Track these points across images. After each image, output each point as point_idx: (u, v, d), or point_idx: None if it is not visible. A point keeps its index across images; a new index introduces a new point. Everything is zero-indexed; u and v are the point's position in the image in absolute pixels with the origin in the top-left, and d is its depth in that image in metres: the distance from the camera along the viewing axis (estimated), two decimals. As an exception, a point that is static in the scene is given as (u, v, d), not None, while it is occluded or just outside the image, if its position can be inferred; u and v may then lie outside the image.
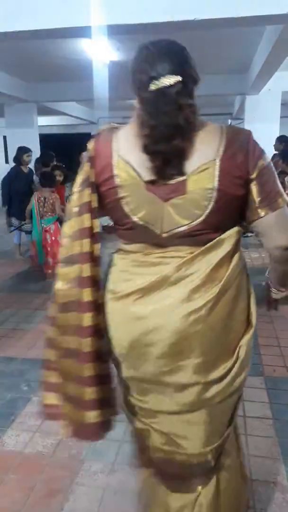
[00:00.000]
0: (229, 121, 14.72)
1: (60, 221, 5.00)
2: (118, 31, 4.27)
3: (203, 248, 1.16)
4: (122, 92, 10.09)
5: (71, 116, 12.20)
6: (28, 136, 8.79)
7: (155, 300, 1.17)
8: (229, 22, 3.74)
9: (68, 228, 1.26)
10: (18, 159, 5.94)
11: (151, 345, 1.18)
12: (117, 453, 2.02)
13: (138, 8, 3.77)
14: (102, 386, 1.26)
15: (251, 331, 1.25)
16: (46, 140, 9.43)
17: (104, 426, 1.33)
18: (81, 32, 4.15)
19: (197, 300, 1.15)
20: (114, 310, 1.25)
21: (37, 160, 6.65)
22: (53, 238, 4.90)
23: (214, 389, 1.20)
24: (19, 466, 1.96)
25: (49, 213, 4.90)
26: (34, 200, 4.96)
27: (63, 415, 1.32)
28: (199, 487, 1.34)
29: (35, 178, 6.02)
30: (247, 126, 9.02)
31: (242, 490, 1.50)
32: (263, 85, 7.80)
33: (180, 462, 1.29)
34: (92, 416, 1.25)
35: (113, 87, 8.30)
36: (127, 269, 1.24)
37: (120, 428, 2.18)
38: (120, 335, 1.24)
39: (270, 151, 8.88)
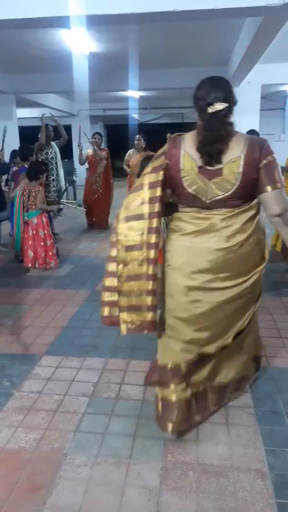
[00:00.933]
0: (210, 114, 14.79)
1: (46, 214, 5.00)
2: (97, 22, 4.22)
3: (237, 210, 1.93)
4: (103, 84, 10.02)
5: (51, 108, 12.02)
6: (8, 129, 8.59)
7: (206, 238, 1.94)
8: (209, 13, 3.74)
9: (137, 196, 1.94)
10: None
11: (201, 263, 1.93)
12: (100, 446, 2.02)
13: (117, -2, 3.72)
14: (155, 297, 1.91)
15: (264, 263, 2.04)
16: (26, 132, 9.27)
17: (155, 324, 1.96)
18: (60, 22, 4.09)
19: (231, 241, 1.92)
20: (178, 242, 2.01)
21: (14, 153, 6.44)
22: (34, 232, 4.82)
23: (235, 290, 1.97)
24: (1, 461, 1.94)
25: (34, 206, 4.81)
26: (18, 192, 4.89)
27: (118, 321, 1.99)
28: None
29: (14, 170, 5.90)
30: (227, 119, 9.05)
31: (257, 339, 2.41)
32: (243, 77, 7.84)
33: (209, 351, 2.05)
34: (151, 315, 1.91)
35: (93, 78, 8.21)
36: (187, 220, 2.00)
37: (103, 421, 2.20)
38: (178, 258, 1.99)
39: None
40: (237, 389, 2.34)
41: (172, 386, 2.03)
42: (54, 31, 5.82)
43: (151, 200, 1.90)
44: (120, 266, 1.93)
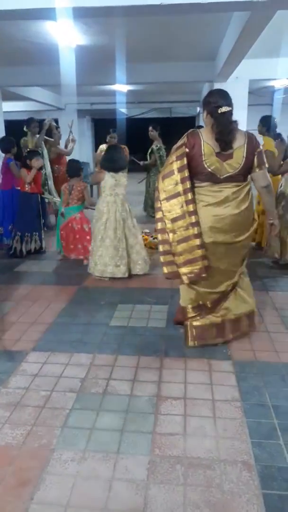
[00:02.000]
0: (198, 108, 14.77)
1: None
2: (84, 14, 4.16)
3: (241, 185, 2.73)
4: (90, 78, 9.91)
5: (37, 101, 11.86)
6: (-8, 122, 8.51)
7: (223, 208, 2.71)
8: (196, 7, 3.71)
9: (170, 180, 2.69)
10: None
11: (222, 226, 2.71)
12: (88, 441, 2.02)
13: (104, -10, 3.67)
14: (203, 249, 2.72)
15: (255, 224, 2.88)
16: (12, 126, 9.14)
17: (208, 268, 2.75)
18: (46, 14, 4.01)
19: (240, 208, 2.72)
20: (203, 211, 2.72)
21: None
22: (79, 226, 4.89)
23: (242, 243, 2.80)
24: (-12, 458, 1.93)
25: (75, 201, 4.87)
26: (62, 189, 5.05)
27: (178, 274, 2.78)
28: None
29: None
30: (215, 114, 9.07)
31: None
32: (230, 72, 7.83)
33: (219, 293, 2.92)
34: (203, 263, 2.71)
35: (80, 72, 8.12)
36: (205, 193, 2.74)
37: (91, 416, 2.20)
38: (206, 223, 2.71)
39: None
40: (250, 325, 3.06)
41: (197, 318, 2.93)
42: (40, 23, 5.72)
43: (182, 180, 2.66)
44: (171, 235, 2.72)
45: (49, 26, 5.88)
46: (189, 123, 15.72)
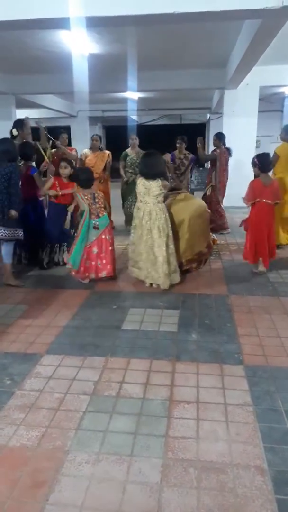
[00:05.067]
0: (208, 115, 14.81)
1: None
2: (97, 23, 4.25)
3: None
4: (102, 85, 10.08)
5: (50, 109, 12.04)
6: (6, 129, 8.60)
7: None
8: (209, 16, 3.76)
9: None
10: None
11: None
12: (102, 444, 2.04)
13: (117, 0, 3.75)
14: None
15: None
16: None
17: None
18: (60, 23, 4.11)
19: None
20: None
21: None
22: (110, 235, 4.45)
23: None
24: (3, 459, 1.96)
25: (102, 209, 4.41)
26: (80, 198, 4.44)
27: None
28: None
29: None
30: (225, 120, 9.11)
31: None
32: (241, 79, 7.87)
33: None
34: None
35: (92, 80, 8.23)
36: None
37: (104, 419, 2.22)
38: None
39: (248, 145, 8.99)
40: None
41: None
42: (54, 33, 5.84)
43: None
44: None
45: (63, 35, 6.00)
46: (199, 129, 15.77)
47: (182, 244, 4.52)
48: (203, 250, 4.75)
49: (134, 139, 7.07)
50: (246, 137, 8.89)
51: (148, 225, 4.18)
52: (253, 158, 4.72)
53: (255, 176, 4.72)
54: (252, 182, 4.65)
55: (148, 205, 4.19)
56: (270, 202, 4.55)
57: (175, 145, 7.09)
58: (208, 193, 6.88)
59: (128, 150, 7.10)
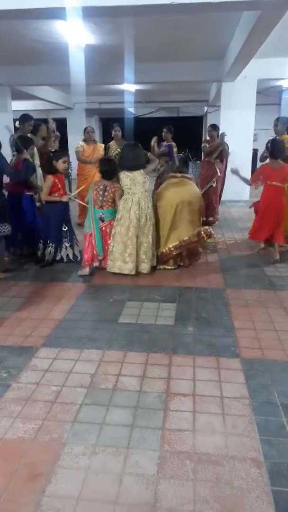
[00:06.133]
0: (205, 108, 14.74)
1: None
2: (93, 13, 4.20)
3: None
4: (99, 77, 9.97)
5: (46, 101, 11.93)
6: (1, 121, 8.54)
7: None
8: (207, 6, 3.72)
9: None
10: None
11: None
12: (98, 436, 2.05)
13: (115, -10, 3.70)
14: None
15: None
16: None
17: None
18: (56, 13, 4.06)
19: None
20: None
21: None
22: (108, 230, 4.51)
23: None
24: (0, 451, 1.96)
25: (110, 203, 4.47)
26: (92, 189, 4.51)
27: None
28: None
29: None
30: (223, 113, 9.07)
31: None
32: (239, 72, 7.82)
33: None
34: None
35: (89, 71, 8.15)
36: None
37: (101, 411, 2.22)
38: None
39: (245, 138, 8.96)
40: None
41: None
42: (50, 23, 5.76)
43: None
44: None
45: (59, 25, 5.92)
46: (197, 122, 15.71)
47: (165, 229, 4.55)
48: (192, 238, 4.62)
49: (117, 131, 7.07)
50: (244, 130, 8.87)
51: (137, 215, 4.30)
52: (269, 141, 4.96)
53: (261, 160, 5.10)
54: (261, 165, 5.01)
55: (136, 195, 4.34)
56: (279, 184, 4.79)
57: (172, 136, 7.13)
58: (214, 185, 6.89)
59: (111, 143, 7.11)
